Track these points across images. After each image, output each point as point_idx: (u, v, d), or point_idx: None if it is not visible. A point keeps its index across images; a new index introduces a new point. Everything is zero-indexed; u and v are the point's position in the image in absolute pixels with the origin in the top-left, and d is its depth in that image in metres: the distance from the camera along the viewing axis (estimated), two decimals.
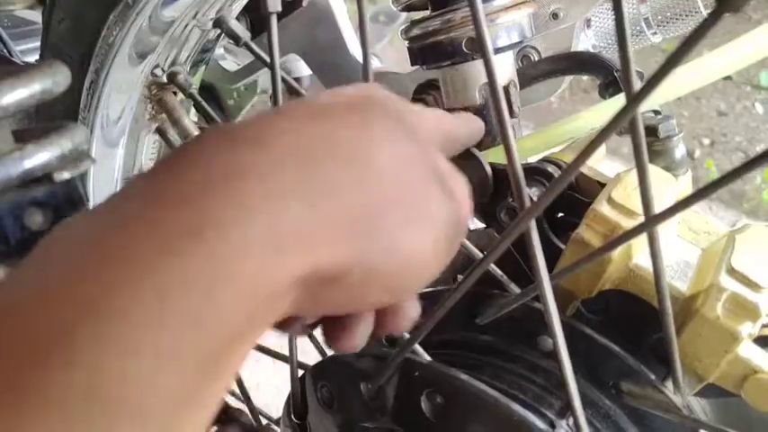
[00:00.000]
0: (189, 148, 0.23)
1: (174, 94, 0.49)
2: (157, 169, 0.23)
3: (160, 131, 0.51)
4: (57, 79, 0.27)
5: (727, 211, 2.03)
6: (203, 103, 0.47)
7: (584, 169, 0.45)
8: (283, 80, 0.42)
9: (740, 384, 0.37)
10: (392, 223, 0.25)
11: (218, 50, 0.87)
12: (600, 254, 0.35)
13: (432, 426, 0.37)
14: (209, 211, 0.20)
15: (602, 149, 0.54)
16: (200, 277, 0.19)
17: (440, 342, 0.43)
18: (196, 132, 0.49)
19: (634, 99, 0.26)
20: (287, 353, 0.48)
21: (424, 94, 0.63)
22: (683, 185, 0.44)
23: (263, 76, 0.84)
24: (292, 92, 0.49)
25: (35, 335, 0.17)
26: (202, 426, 0.21)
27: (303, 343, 0.48)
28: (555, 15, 0.57)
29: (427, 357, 0.39)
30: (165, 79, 0.47)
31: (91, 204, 0.38)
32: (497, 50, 0.51)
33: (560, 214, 0.47)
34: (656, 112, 0.49)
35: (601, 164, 0.50)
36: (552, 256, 0.41)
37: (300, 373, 0.46)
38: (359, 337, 0.30)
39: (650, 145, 0.47)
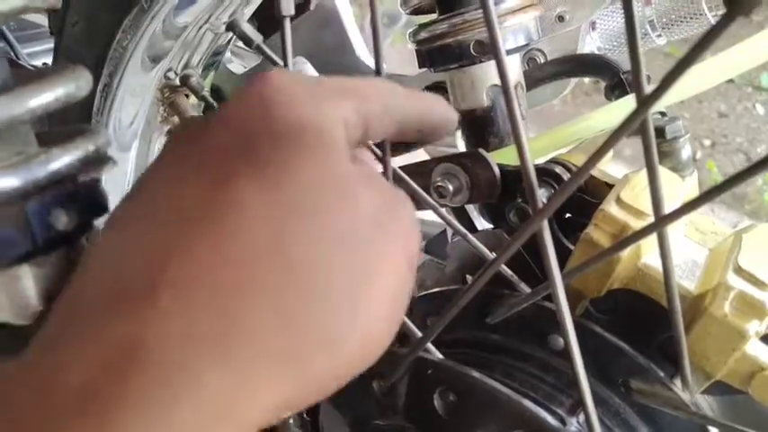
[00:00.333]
0: (53, 324, 0.21)
1: (186, 96, 0.50)
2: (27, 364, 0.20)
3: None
4: (80, 84, 0.28)
5: (729, 213, 2.04)
6: (216, 105, 0.48)
7: (592, 171, 0.46)
8: None
9: (747, 381, 0.37)
10: (335, 324, 0.22)
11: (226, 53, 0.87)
12: (610, 253, 0.36)
13: (444, 423, 0.37)
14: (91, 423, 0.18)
15: (609, 152, 0.55)
16: None
17: (451, 341, 0.44)
18: None
19: (645, 102, 0.27)
20: None
21: None
22: (690, 186, 0.45)
23: None
24: None
25: None
26: None
27: None
28: (561, 18, 0.57)
29: (439, 356, 0.39)
30: (177, 82, 0.48)
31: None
32: (505, 53, 0.52)
33: (569, 215, 0.47)
34: (662, 114, 0.49)
35: (608, 166, 0.51)
36: (562, 256, 0.42)
37: None
38: None
39: (658, 146, 0.48)
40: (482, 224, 0.55)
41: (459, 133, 0.63)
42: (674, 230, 0.42)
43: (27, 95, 0.26)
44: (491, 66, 0.51)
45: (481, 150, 0.48)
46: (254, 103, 0.23)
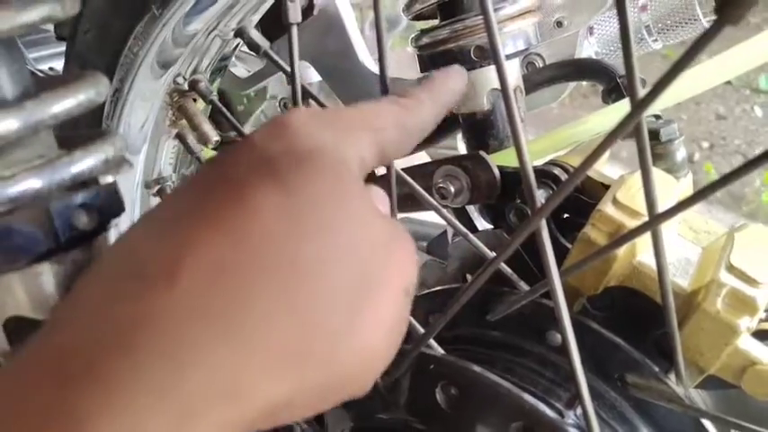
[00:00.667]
0: (69, 306, 0.22)
1: (194, 101, 0.51)
2: (52, 327, 0.22)
3: (180, 137, 0.53)
4: (99, 89, 0.29)
5: (727, 214, 2.05)
6: (224, 109, 0.49)
7: (589, 172, 0.47)
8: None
9: (740, 375, 0.39)
10: (334, 329, 0.23)
11: None
12: (606, 251, 0.37)
13: (446, 416, 0.39)
14: (89, 398, 0.19)
15: (605, 154, 0.56)
16: None
17: (453, 338, 0.45)
18: (215, 138, 0.51)
19: (639, 105, 0.28)
20: None
21: None
22: (684, 187, 0.46)
23: (272, 83, 0.86)
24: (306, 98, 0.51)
25: None
26: None
27: None
28: (559, 23, 0.59)
29: (441, 351, 0.41)
30: (186, 87, 0.49)
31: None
32: (505, 58, 0.53)
33: (567, 215, 0.49)
34: (657, 117, 0.51)
35: (604, 168, 0.52)
36: (560, 255, 0.43)
37: None
38: None
39: (652, 148, 0.49)
40: (482, 225, 0.57)
41: (459, 136, 0.64)
42: (668, 229, 0.43)
43: (51, 101, 0.27)
44: (491, 70, 0.53)
45: (481, 153, 0.49)
46: (279, 133, 0.25)
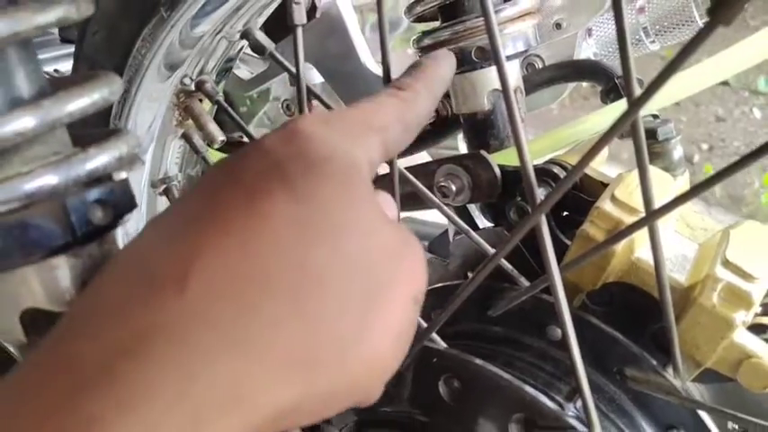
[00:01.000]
0: (79, 309, 0.23)
1: (200, 101, 0.52)
2: (59, 336, 0.22)
3: (186, 137, 0.53)
4: (113, 89, 0.30)
5: (726, 215, 2.06)
6: (230, 109, 0.50)
7: (588, 171, 0.48)
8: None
9: (735, 368, 0.40)
10: (342, 335, 0.23)
11: None
12: (605, 247, 0.38)
13: (448, 408, 0.40)
14: (101, 401, 0.19)
15: (603, 153, 0.57)
16: None
17: (454, 333, 0.46)
18: (221, 137, 0.52)
19: (635, 103, 0.29)
20: None
21: None
22: (681, 185, 0.47)
23: (275, 84, 0.87)
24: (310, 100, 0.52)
25: None
26: None
27: None
28: (558, 25, 0.60)
29: (444, 345, 0.42)
30: (192, 87, 0.50)
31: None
32: (505, 58, 0.54)
33: (566, 213, 0.50)
34: (655, 117, 0.52)
35: (603, 167, 0.53)
36: (559, 251, 0.44)
37: None
38: None
39: (650, 147, 0.50)
40: (483, 223, 0.58)
41: (460, 136, 0.65)
42: (665, 226, 0.44)
43: (67, 100, 0.28)
44: (492, 71, 0.54)
45: (482, 152, 0.50)
46: (290, 138, 0.25)
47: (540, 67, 0.65)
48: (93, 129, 0.35)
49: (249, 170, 0.24)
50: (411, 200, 0.50)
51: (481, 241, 0.45)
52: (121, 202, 0.30)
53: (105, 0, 0.46)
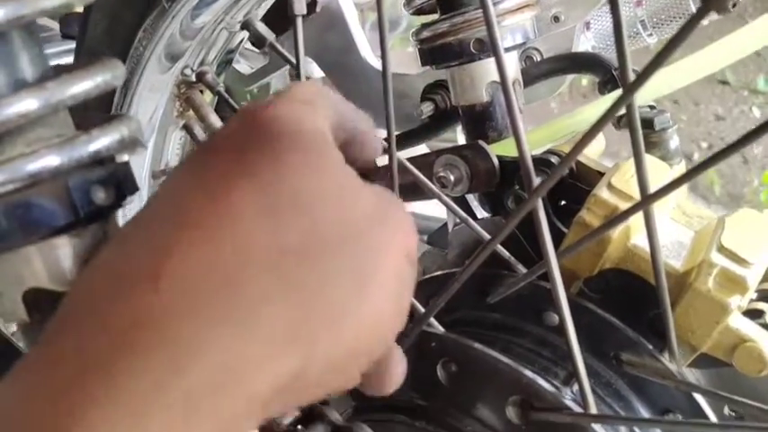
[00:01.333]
0: (71, 302, 0.23)
1: (201, 92, 0.52)
2: (54, 331, 0.22)
3: (187, 128, 0.54)
4: (116, 73, 0.31)
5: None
6: (231, 100, 0.51)
7: (584, 161, 0.49)
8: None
9: (731, 353, 0.40)
10: (340, 298, 0.23)
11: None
12: (601, 232, 0.38)
13: (446, 392, 0.40)
14: (101, 384, 0.20)
15: (600, 145, 0.58)
16: None
17: (453, 321, 0.46)
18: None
19: (630, 87, 0.30)
20: None
21: (433, 93, 0.66)
22: (678, 174, 0.47)
23: (275, 79, 0.88)
24: None
25: None
26: None
27: None
28: (556, 18, 0.60)
29: (441, 329, 0.42)
30: (193, 78, 0.51)
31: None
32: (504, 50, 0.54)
33: (563, 202, 0.50)
34: (652, 108, 0.52)
35: (600, 157, 0.53)
36: (556, 239, 0.44)
37: None
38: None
39: (647, 137, 0.51)
40: (482, 214, 0.58)
41: (459, 129, 0.66)
42: (661, 213, 0.44)
43: (70, 82, 0.28)
44: (490, 63, 0.54)
45: (480, 142, 0.50)
46: (247, 123, 0.25)
47: (538, 60, 0.66)
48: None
49: (212, 170, 0.24)
50: (410, 190, 0.50)
51: (478, 228, 0.45)
52: (124, 184, 0.30)
53: None
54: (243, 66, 0.89)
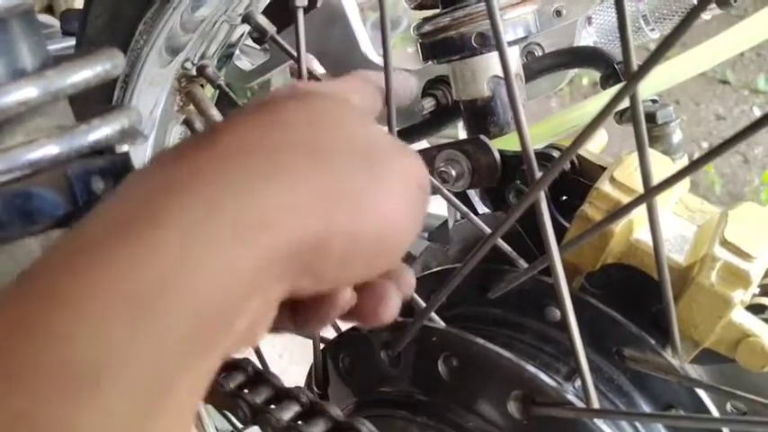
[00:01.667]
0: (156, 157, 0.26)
1: (202, 86, 0.52)
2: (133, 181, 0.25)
3: (188, 122, 0.54)
4: (116, 63, 0.30)
5: None
6: (231, 94, 0.50)
7: (587, 155, 0.49)
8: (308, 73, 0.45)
9: (734, 348, 0.40)
10: (358, 186, 0.27)
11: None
12: (604, 225, 0.38)
13: (447, 387, 0.40)
14: (167, 208, 0.22)
15: (603, 138, 0.57)
16: (167, 278, 0.21)
17: (453, 316, 0.46)
18: None
19: (633, 77, 0.30)
20: None
21: (434, 89, 0.66)
22: (680, 167, 0.47)
23: (275, 76, 0.88)
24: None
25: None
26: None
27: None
28: (558, 13, 0.60)
29: (443, 324, 0.42)
30: (194, 72, 0.51)
31: None
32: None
33: (565, 197, 0.50)
34: (654, 101, 0.52)
35: (602, 151, 0.53)
36: (558, 234, 0.44)
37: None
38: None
39: (649, 131, 0.50)
40: (483, 210, 0.58)
41: (461, 124, 0.65)
42: (663, 207, 0.44)
43: (70, 71, 0.28)
44: (492, 57, 0.54)
45: (482, 136, 0.50)
46: (294, 93, 0.30)
47: (540, 55, 0.65)
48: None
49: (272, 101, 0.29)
50: None
51: (479, 222, 0.45)
52: (123, 174, 0.30)
53: None
54: (243, 62, 0.89)
